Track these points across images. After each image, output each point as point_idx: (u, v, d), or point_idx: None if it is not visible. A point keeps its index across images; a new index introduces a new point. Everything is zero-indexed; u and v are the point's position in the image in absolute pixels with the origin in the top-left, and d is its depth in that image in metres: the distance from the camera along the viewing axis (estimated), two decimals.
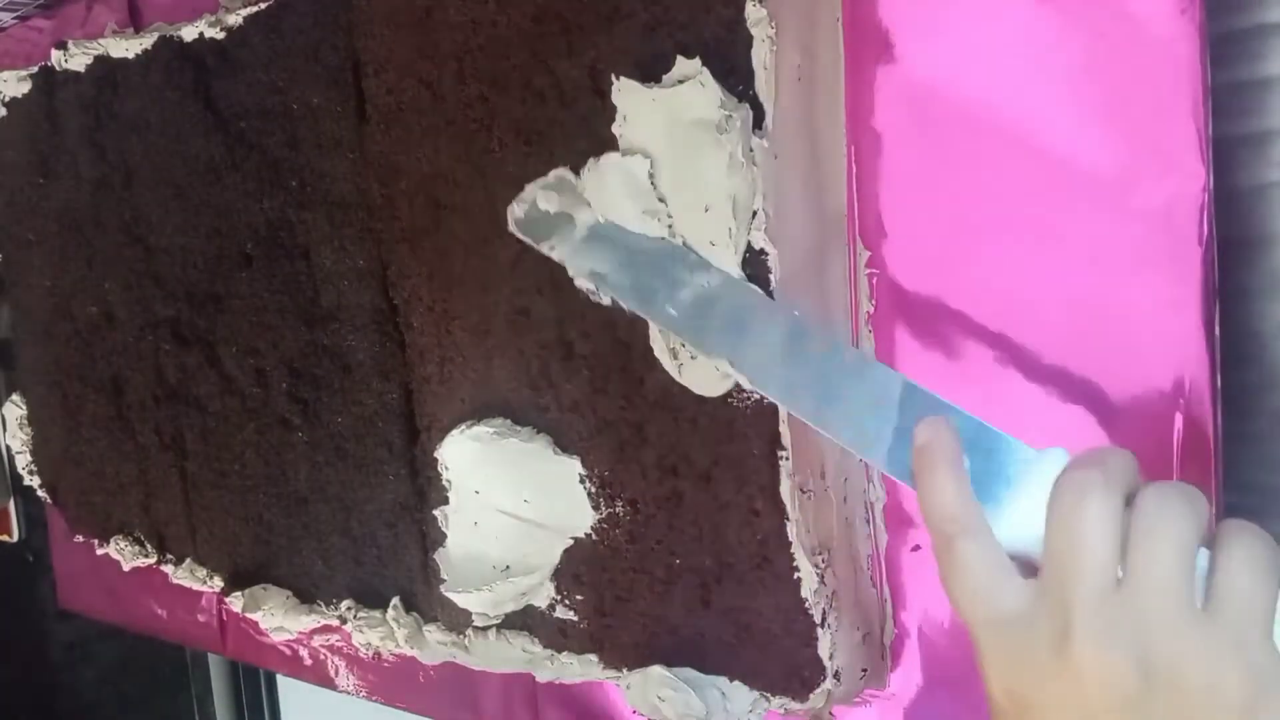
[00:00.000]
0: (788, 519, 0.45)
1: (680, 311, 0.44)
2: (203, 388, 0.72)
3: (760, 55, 0.43)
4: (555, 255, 0.48)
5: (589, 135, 0.48)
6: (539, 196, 0.48)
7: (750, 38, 0.43)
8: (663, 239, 0.45)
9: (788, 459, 0.45)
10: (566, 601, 0.54)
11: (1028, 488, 0.34)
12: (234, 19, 0.63)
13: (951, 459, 0.34)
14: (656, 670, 0.49)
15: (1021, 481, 0.34)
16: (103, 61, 0.72)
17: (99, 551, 0.86)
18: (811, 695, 0.47)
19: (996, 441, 0.35)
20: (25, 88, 0.80)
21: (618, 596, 0.52)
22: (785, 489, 0.45)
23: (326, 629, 0.72)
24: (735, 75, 0.44)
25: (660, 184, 0.46)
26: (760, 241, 0.44)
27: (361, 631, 0.65)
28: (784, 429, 0.45)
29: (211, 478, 0.73)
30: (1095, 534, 0.30)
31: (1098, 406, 0.44)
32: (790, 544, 0.46)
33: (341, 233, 0.60)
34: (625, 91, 0.46)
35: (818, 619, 0.46)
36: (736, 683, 0.49)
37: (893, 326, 0.48)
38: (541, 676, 0.56)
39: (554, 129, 0.50)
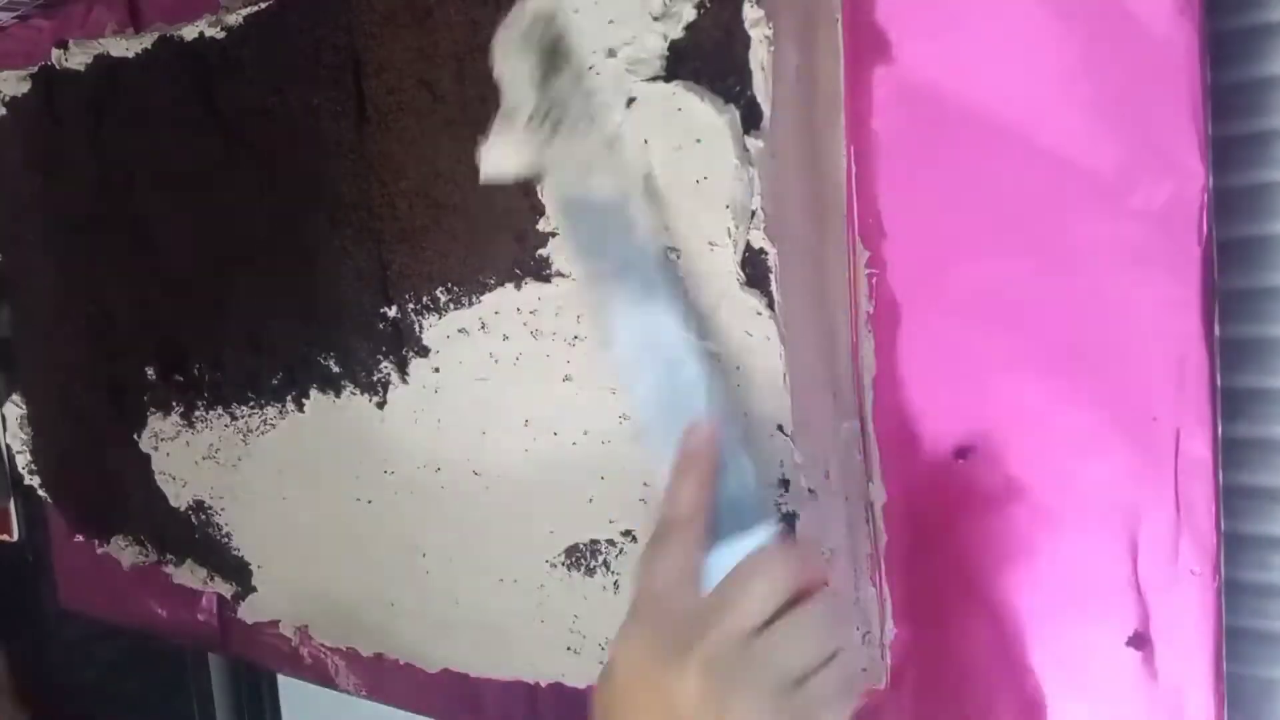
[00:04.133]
0: (797, 519, 0.45)
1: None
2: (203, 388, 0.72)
3: (758, 56, 0.43)
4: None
5: None
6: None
7: (748, 38, 0.43)
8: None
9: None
10: None
11: (736, 544, 0.38)
12: (234, 19, 0.63)
13: (708, 472, 0.40)
14: None
15: (734, 538, 0.39)
16: (103, 61, 0.72)
17: (99, 551, 0.86)
18: None
19: (742, 505, 0.40)
20: (25, 87, 0.80)
21: None
22: (795, 488, 0.45)
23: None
24: (733, 75, 0.44)
25: (659, 183, 0.46)
26: (760, 241, 0.44)
27: None
28: (790, 428, 0.45)
29: None
30: (763, 592, 0.36)
31: (1098, 406, 0.44)
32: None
33: (341, 233, 0.60)
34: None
35: None
36: None
37: (893, 326, 0.48)
38: None
39: None
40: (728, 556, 0.38)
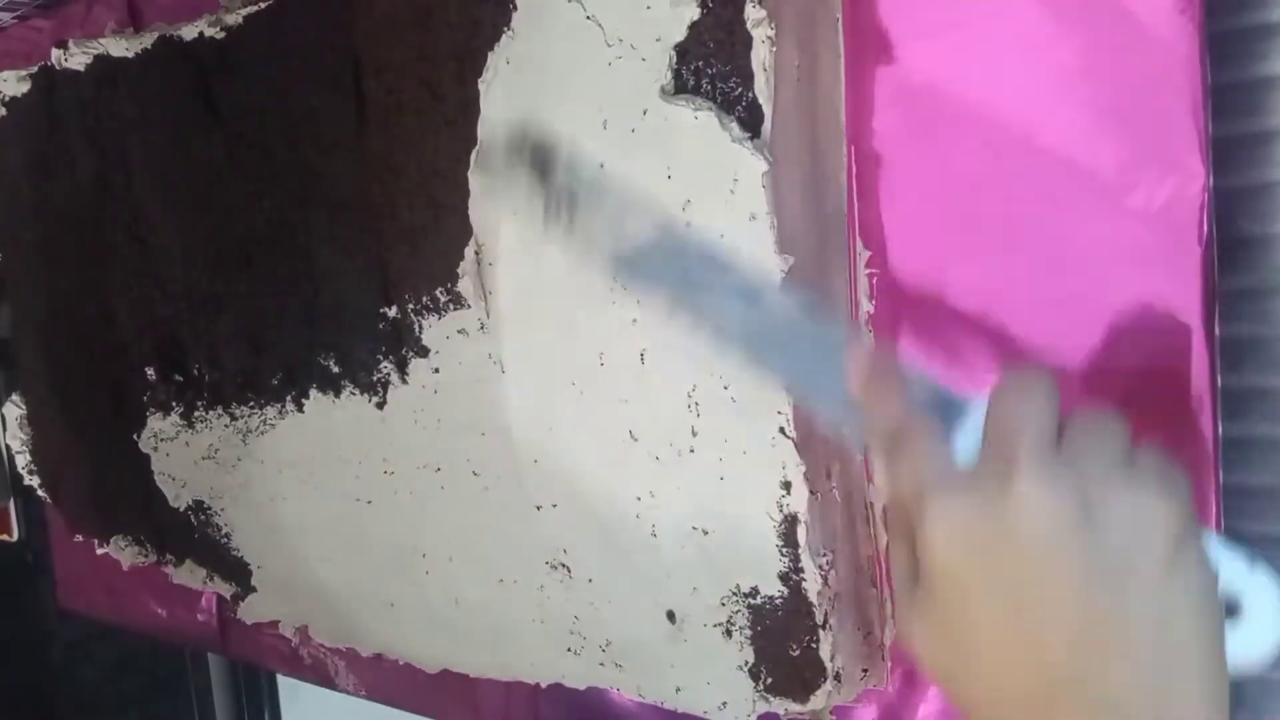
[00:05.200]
0: (800, 521, 0.45)
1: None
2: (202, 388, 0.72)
3: (760, 56, 0.43)
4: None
5: None
6: None
7: (750, 39, 0.43)
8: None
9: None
10: None
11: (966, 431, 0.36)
12: (234, 19, 0.63)
13: (895, 377, 0.38)
14: None
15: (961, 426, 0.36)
16: (103, 61, 0.72)
17: (99, 551, 0.86)
18: (812, 697, 0.47)
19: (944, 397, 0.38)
20: (25, 87, 0.80)
21: None
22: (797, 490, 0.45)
23: None
24: (735, 76, 0.44)
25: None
26: None
27: None
28: (792, 430, 0.45)
29: None
30: (1038, 408, 0.34)
31: (1098, 406, 0.44)
32: (799, 546, 0.46)
33: (341, 233, 0.60)
34: None
35: (819, 621, 0.46)
36: None
37: (893, 326, 0.48)
38: None
39: None
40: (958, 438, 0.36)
